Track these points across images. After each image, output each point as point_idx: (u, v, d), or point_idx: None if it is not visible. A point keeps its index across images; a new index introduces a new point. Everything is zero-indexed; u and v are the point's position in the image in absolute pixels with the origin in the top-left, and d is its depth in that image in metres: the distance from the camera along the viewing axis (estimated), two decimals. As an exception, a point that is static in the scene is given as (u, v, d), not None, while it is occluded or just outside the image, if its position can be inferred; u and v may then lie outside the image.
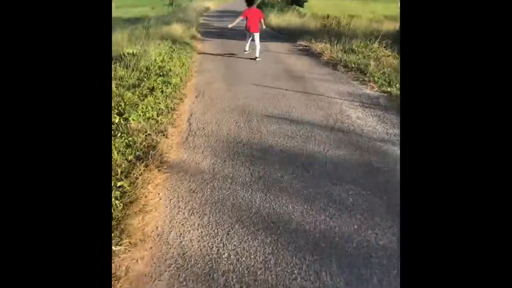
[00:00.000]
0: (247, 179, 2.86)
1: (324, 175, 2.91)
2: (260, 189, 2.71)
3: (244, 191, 2.69)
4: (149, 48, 7.40)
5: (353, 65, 6.73)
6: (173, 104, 4.66)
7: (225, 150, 3.38)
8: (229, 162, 3.14)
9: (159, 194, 2.65)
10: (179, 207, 2.50)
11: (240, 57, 8.15)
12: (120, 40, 7.88)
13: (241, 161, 3.16)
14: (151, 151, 3.15)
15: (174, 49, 8.25)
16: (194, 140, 3.64)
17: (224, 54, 8.56)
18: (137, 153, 3.11)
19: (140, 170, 2.82)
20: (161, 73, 5.93)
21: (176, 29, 11.55)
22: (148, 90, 5.02)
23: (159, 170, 2.95)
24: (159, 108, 4.36)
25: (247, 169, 3.02)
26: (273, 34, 13.52)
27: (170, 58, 7.22)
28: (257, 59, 7.74)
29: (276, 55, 8.53)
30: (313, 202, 2.55)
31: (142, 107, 4.12)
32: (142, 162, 2.95)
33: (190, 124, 4.08)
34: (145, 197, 2.56)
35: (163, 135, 3.64)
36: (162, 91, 4.98)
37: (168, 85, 5.27)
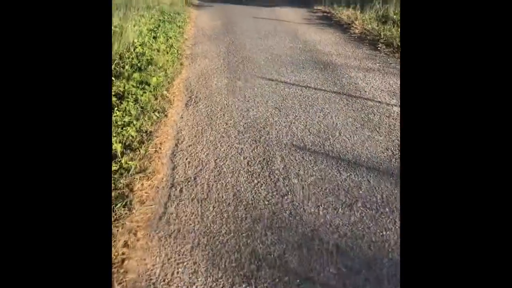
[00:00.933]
0: None
1: None
2: None
3: None
4: (128, 25, 5.65)
5: (399, 43, 4.99)
6: (151, 124, 3.07)
7: (234, 248, 1.83)
8: (242, 291, 1.61)
9: None
10: None
11: (247, 32, 6.37)
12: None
13: None
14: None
15: (160, 23, 6.46)
16: (178, 212, 2.09)
17: (227, 27, 6.77)
18: None
19: None
20: (138, 65, 4.28)
21: (166, -7, 9.63)
22: (115, 98, 3.41)
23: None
24: (128, 137, 2.79)
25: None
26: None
27: (154, 37, 5.48)
28: None
29: (291, 26, 6.73)
30: None
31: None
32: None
33: (173, 169, 2.51)
34: None
35: (125, 205, 2.10)
36: (135, 100, 3.37)
37: (146, 87, 3.64)
